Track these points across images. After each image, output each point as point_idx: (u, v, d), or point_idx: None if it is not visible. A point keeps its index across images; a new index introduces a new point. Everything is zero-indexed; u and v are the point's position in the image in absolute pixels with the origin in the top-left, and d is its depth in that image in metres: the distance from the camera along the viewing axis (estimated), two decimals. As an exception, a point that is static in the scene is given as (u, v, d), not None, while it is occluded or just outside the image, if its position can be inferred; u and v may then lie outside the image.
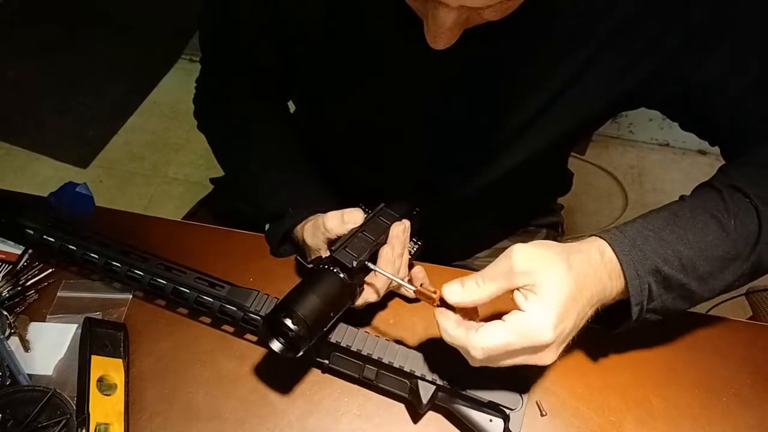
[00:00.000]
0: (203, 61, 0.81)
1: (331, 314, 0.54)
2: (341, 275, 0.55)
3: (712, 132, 0.66)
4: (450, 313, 0.51)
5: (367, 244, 0.58)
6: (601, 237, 0.53)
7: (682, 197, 0.59)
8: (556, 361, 0.50)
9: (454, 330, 0.50)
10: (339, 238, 0.59)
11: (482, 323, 0.49)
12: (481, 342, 0.47)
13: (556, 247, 0.50)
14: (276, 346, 0.53)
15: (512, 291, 0.49)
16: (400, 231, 0.60)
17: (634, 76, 0.61)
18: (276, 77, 0.77)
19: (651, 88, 0.62)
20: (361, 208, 0.63)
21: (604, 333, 0.59)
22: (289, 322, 0.51)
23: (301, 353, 0.52)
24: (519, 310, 0.48)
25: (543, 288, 0.47)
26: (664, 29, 0.58)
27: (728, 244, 0.54)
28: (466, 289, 0.50)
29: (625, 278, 0.51)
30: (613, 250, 0.51)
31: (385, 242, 0.60)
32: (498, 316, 0.49)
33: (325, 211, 0.67)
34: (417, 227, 0.66)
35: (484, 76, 0.63)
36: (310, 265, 0.57)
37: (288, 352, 0.53)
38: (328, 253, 0.61)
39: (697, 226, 0.54)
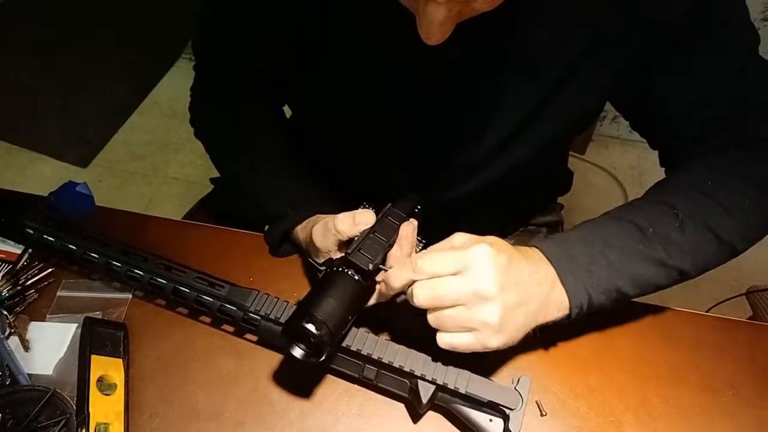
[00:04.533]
0: (198, 67, 0.81)
1: (349, 317, 0.54)
2: (356, 278, 0.55)
3: (654, 137, 0.71)
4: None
5: (380, 246, 0.57)
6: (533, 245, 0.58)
7: (629, 219, 0.61)
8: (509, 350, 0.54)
9: (398, 272, 0.54)
10: (351, 239, 0.59)
11: None
12: (421, 259, 0.52)
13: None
14: (298, 352, 0.53)
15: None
16: (409, 231, 0.60)
17: (618, 72, 0.63)
18: (272, 79, 0.77)
19: (622, 86, 0.65)
20: (365, 206, 0.63)
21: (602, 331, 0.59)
22: (311, 327, 0.51)
23: (323, 357, 0.53)
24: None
25: (476, 245, 0.53)
26: (642, 28, 0.60)
27: (666, 274, 0.59)
28: (398, 273, 0.54)
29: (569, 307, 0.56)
30: (563, 285, 0.56)
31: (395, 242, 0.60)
32: None
33: (323, 212, 0.67)
34: (419, 224, 0.66)
35: (481, 73, 0.63)
36: (323, 268, 0.57)
37: (310, 358, 0.53)
38: (338, 255, 0.61)
39: (623, 234, 0.59)
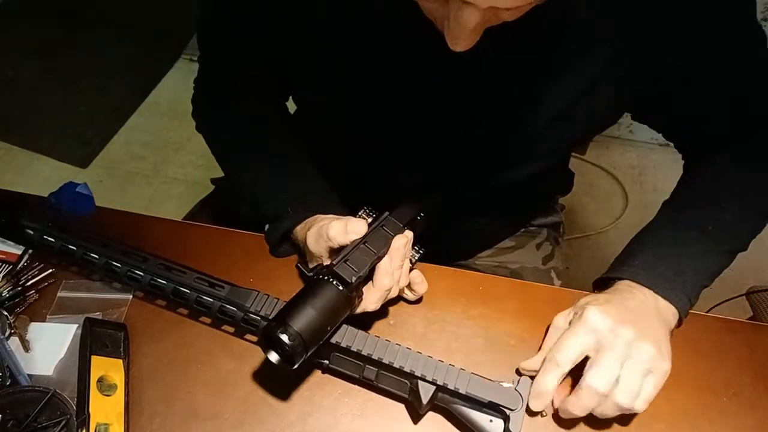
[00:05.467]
0: (201, 61, 0.80)
1: (328, 328, 0.54)
2: (340, 288, 0.55)
3: (678, 138, 0.76)
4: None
5: (368, 257, 0.57)
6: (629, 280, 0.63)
7: (689, 223, 0.67)
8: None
9: (543, 378, 0.58)
10: (341, 247, 0.59)
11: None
12: (556, 350, 0.58)
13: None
14: (273, 357, 0.53)
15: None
16: (401, 244, 0.59)
17: (635, 82, 0.64)
18: (274, 77, 0.77)
19: (642, 93, 0.66)
20: (366, 211, 0.63)
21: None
22: (284, 337, 0.50)
23: (297, 366, 0.53)
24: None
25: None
26: (661, 37, 0.60)
27: (732, 257, 0.68)
28: (546, 376, 0.58)
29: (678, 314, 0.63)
30: (664, 298, 0.62)
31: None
32: None
33: (325, 212, 0.67)
34: (420, 232, 0.66)
35: (493, 81, 0.63)
36: (310, 274, 0.57)
37: (284, 363, 0.53)
38: (329, 261, 0.61)
39: (716, 259, 0.66)
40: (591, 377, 0.56)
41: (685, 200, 0.71)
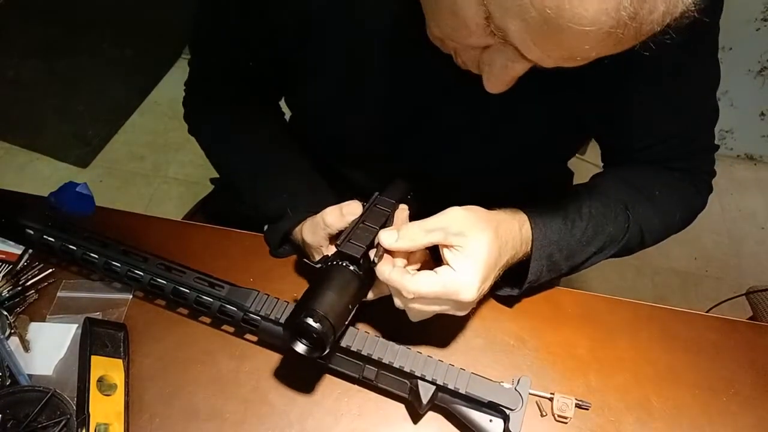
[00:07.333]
0: (193, 64, 0.80)
1: (350, 307, 0.55)
2: (351, 267, 0.55)
3: (615, 146, 0.77)
4: (389, 258, 0.57)
5: (370, 233, 0.58)
6: (525, 213, 0.62)
7: (587, 192, 0.68)
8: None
9: (390, 271, 0.55)
10: (341, 232, 0.59)
11: (415, 271, 0.57)
12: (415, 286, 0.53)
13: (487, 214, 0.58)
14: (300, 348, 0.54)
15: (442, 246, 0.56)
16: (404, 217, 0.62)
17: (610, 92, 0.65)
18: (268, 80, 0.76)
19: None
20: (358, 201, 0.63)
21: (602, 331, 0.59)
22: (311, 321, 0.51)
23: (327, 351, 0.53)
24: (449, 266, 0.54)
25: (472, 251, 0.54)
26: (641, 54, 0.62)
27: (601, 245, 0.66)
28: (401, 237, 0.56)
29: (531, 252, 0.61)
30: (531, 228, 0.61)
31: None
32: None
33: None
34: (414, 211, 0.66)
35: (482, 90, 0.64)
36: (318, 265, 0.58)
37: (313, 353, 0.54)
38: (331, 249, 0.61)
39: (588, 228, 0.64)
40: (411, 310, 0.57)
41: (604, 194, 0.69)
